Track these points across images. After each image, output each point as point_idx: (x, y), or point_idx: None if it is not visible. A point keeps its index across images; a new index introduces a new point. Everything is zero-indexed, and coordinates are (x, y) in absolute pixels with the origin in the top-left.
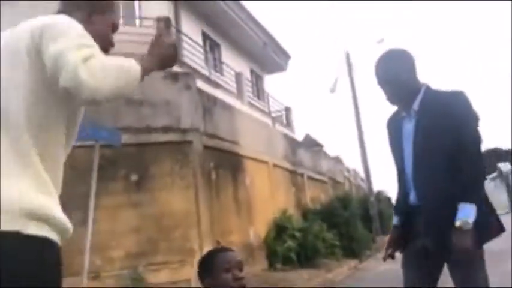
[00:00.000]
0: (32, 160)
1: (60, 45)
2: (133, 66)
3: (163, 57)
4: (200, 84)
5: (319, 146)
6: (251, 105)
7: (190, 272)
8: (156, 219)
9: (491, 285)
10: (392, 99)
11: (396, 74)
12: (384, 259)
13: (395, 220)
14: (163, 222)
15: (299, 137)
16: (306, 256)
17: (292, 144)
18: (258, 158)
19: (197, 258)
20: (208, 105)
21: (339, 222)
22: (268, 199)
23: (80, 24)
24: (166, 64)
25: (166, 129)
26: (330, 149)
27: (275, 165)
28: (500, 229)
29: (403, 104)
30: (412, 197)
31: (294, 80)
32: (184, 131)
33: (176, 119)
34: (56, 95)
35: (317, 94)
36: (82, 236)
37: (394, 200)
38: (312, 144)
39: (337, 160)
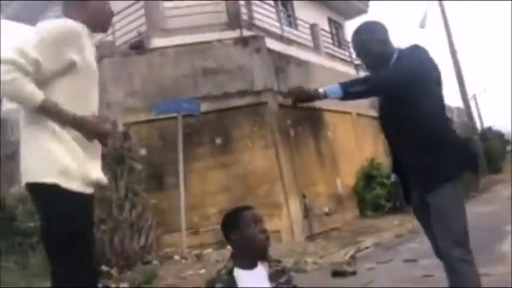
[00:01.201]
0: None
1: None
2: (35, 96)
3: (86, 129)
4: (273, 43)
5: None
6: (330, 56)
7: (279, 224)
8: (242, 178)
9: None
10: (368, 67)
11: (368, 45)
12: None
13: (392, 178)
14: (248, 179)
15: None
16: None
17: None
18: (339, 109)
19: (284, 210)
20: (281, 64)
21: None
22: (355, 149)
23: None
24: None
25: (241, 94)
26: None
27: (359, 115)
28: (473, 162)
29: (380, 70)
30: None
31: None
32: (258, 93)
33: (250, 82)
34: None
35: (406, 32)
36: (178, 197)
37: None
38: None
39: None
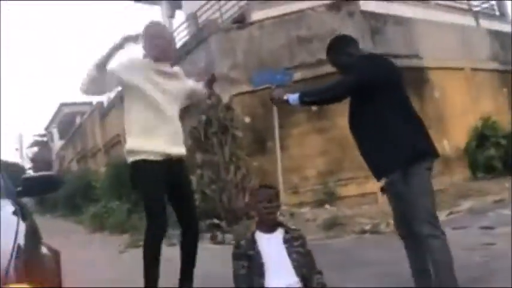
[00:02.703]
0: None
1: None
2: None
3: None
4: (371, 4)
5: None
6: (442, 7)
7: (374, 186)
8: (339, 142)
9: None
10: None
11: (336, 59)
12: None
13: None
14: (345, 143)
15: None
16: None
17: (505, 39)
18: (448, 66)
19: None
20: (377, 25)
21: None
22: (468, 108)
23: None
24: None
25: None
26: None
27: (475, 70)
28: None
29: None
30: None
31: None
32: None
33: None
34: None
35: None
36: (276, 160)
37: None
38: None
39: None
